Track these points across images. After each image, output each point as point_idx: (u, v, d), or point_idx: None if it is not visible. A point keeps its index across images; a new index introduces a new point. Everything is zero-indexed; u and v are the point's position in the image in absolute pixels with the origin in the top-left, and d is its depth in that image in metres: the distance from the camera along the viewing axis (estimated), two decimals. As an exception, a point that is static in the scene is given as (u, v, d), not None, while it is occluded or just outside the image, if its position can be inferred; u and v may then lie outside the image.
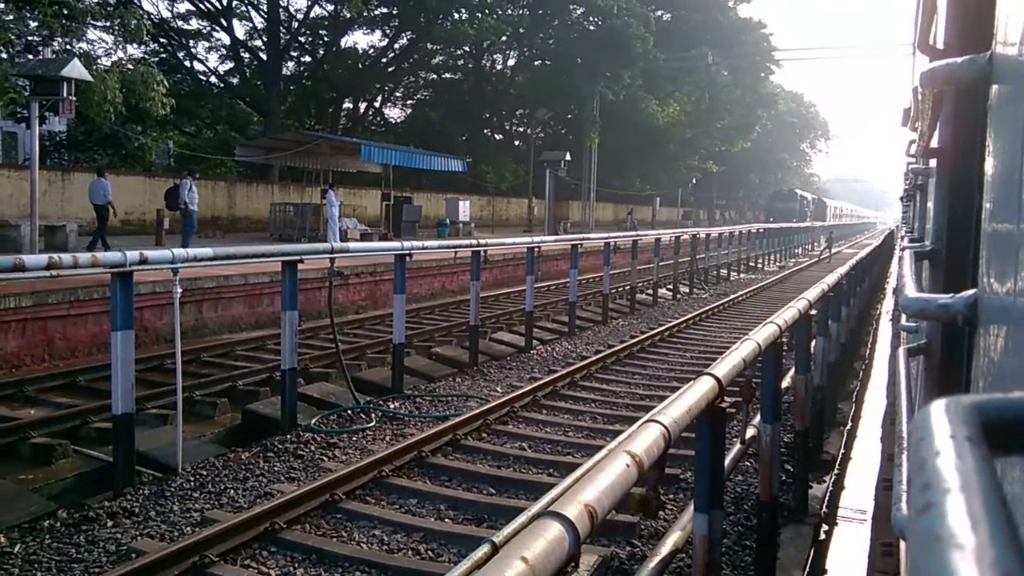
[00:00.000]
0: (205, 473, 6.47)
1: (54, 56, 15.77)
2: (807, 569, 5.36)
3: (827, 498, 6.79)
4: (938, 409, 0.49)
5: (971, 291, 1.18)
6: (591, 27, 42.49)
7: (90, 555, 4.97)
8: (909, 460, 0.48)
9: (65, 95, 13.81)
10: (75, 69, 13.91)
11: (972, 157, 1.89)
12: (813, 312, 5.87)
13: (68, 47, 20.30)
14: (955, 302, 1.17)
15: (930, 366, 2.15)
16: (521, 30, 42.45)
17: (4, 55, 19.50)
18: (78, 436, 7.61)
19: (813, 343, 6.54)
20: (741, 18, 52.88)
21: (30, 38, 21.58)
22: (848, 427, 9.04)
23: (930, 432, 0.46)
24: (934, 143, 2.36)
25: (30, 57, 19.58)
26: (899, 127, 7.37)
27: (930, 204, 2.96)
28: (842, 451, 8.09)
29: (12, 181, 19.98)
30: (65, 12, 19.02)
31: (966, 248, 1.96)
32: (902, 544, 3.12)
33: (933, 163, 2.78)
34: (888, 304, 19.16)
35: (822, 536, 6.14)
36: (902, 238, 8.13)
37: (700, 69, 46.95)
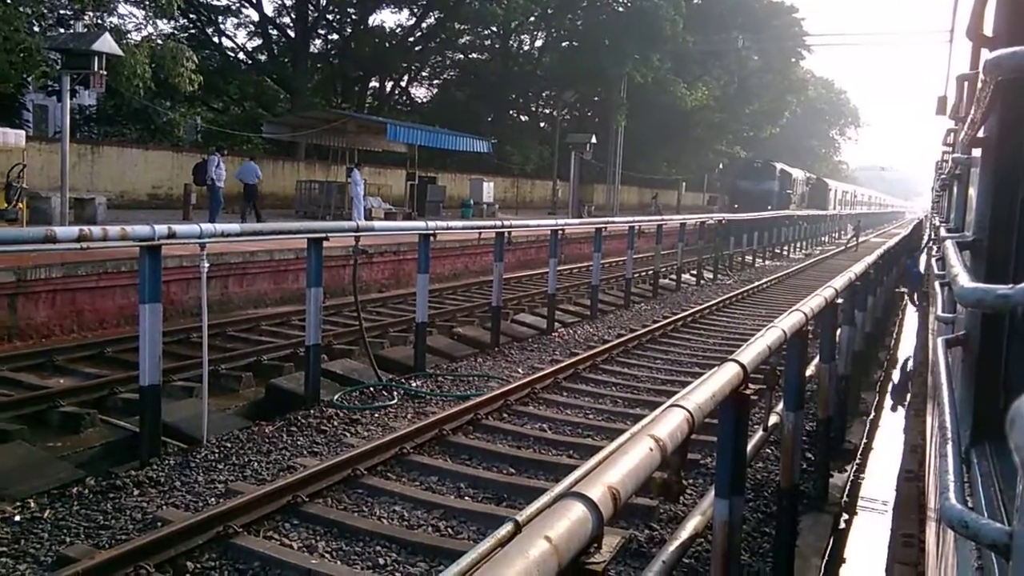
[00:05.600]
0: (229, 445, 6.55)
1: (85, 30, 15.87)
2: (826, 557, 5.34)
3: (848, 487, 6.76)
4: None
5: None
6: (620, 8, 42.01)
7: (117, 522, 5.06)
8: (1019, 448, 0.48)
9: (96, 69, 13.93)
10: (106, 43, 14.02)
11: (1021, 147, 1.85)
12: (839, 301, 5.81)
13: (99, 21, 20.42)
14: (1016, 293, 1.14)
15: (968, 357, 2.12)
16: (549, 10, 41.99)
17: (36, 29, 19.65)
18: (105, 406, 7.73)
19: (838, 332, 6.48)
20: (772, 2, 52.14)
21: (62, 12, 21.74)
22: (871, 417, 8.96)
23: None
24: (981, 132, 2.31)
25: (62, 31, 19.72)
26: (933, 116, 7.24)
27: (972, 193, 2.91)
28: (864, 441, 8.03)
29: (43, 154, 20.19)
30: (96, -14, 19.12)
31: (1009, 238, 1.93)
32: (930, 534, 3.10)
33: (976, 152, 2.73)
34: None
35: (842, 525, 6.11)
36: (936, 228, 7.99)
37: (730, 53, 46.40)
